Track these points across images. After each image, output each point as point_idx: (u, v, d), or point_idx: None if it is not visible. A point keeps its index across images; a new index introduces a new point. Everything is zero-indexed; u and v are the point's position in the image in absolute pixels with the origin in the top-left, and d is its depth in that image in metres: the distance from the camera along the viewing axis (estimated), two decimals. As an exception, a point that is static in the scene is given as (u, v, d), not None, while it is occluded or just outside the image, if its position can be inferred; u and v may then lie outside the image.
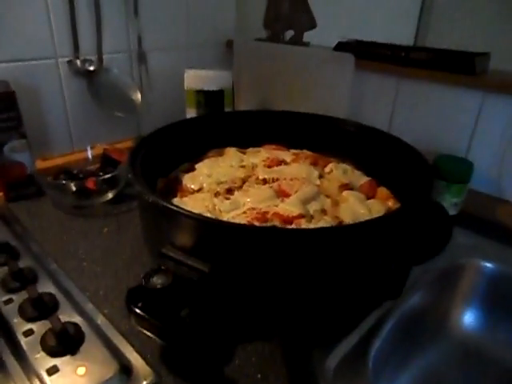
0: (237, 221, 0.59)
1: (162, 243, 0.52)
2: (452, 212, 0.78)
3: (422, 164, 0.65)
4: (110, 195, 0.80)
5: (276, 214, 0.61)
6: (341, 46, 0.90)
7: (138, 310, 0.46)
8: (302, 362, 0.49)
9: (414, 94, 0.85)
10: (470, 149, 0.81)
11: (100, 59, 0.90)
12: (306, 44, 1.09)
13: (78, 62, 0.87)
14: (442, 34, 0.95)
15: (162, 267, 0.50)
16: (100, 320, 0.53)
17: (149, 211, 0.57)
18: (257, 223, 0.58)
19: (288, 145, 0.87)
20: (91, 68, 0.88)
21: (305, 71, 0.96)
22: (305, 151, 0.86)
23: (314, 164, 0.80)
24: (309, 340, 0.52)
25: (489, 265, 0.69)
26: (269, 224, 0.59)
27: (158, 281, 0.48)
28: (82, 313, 0.54)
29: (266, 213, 0.62)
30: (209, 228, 0.49)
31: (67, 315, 0.53)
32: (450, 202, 0.77)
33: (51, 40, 0.84)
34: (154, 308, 0.46)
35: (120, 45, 0.94)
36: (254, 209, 0.62)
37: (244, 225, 0.53)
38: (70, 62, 0.87)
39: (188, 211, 0.49)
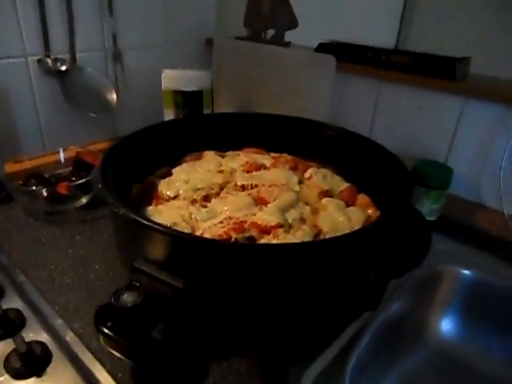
0: (213, 231, 0.57)
1: (135, 256, 0.50)
2: (431, 217, 0.78)
3: (402, 171, 0.65)
4: (83, 200, 0.78)
5: (253, 224, 0.60)
6: (322, 48, 0.89)
7: (106, 330, 0.44)
8: (278, 378, 0.48)
9: (394, 97, 0.84)
10: (449, 154, 0.81)
11: (73, 58, 0.86)
12: (287, 44, 1.07)
13: (49, 60, 0.84)
14: (423, 35, 0.94)
15: (134, 283, 0.48)
16: (69, 337, 0.51)
17: (120, 223, 0.55)
18: (234, 234, 0.57)
19: (268, 148, 0.85)
20: (63, 68, 0.85)
21: (285, 72, 0.95)
22: (284, 155, 0.84)
23: (294, 169, 0.79)
24: (285, 356, 0.51)
25: (467, 272, 0.69)
26: (246, 234, 0.58)
27: (128, 298, 0.46)
28: (50, 329, 0.51)
29: (244, 222, 0.60)
30: (181, 243, 0.47)
31: (34, 333, 0.50)
32: (429, 208, 0.77)
33: (20, 37, 0.80)
34: (123, 328, 0.44)
35: (94, 43, 0.91)
36: (231, 218, 0.60)
37: (217, 240, 0.51)
38: (40, 60, 0.83)
39: (159, 225, 0.47)
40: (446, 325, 0.70)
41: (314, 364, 0.50)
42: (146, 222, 0.47)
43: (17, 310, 0.53)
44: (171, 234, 0.47)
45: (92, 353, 0.49)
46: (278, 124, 0.84)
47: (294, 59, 0.92)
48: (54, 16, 0.83)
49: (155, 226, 0.47)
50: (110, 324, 0.44)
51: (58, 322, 0.53)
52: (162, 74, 0.89)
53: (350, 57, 0.86)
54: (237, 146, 0.85)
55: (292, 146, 0.83)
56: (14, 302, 0.55)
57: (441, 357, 0.68)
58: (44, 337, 0.50)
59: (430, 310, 0.71)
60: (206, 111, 0.93)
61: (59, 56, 0.85)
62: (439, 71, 0.75)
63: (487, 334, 0.68)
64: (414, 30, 0.93)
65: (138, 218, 0.47)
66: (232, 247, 0.48)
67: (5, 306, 0.53)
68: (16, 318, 0.51)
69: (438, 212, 0.78)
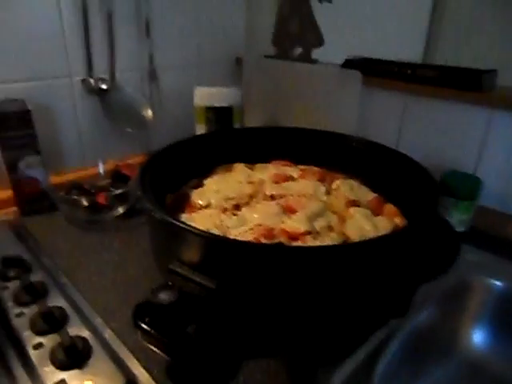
0: (244, 237, 0.60)
1: (170, 259, 0.53)
2: (460, 229, 0.78)
3: (429, 180, 0.66)
4: (120, 210, 0.82)
5: (282, 231, 0.62)
6: (348, 63, 0.92)
7: (144, 326, 0.46)
8: (306, 380, 0.49)
9: (421, 110, 0.86)
10: (478, 165, 0.81)
11: (113, 78, 0.92)
12: (314, 61, 1.11)
13: (92, 80, 0.90)
14: (451, 48, 0.95)
15: (170, 283, 0.51)
16: (108, 334, 0.54)
17: (157, 227, 0.58)
18: (263, 240, 0.59)
19: (296, 161, 0.87)
20: (104, 87, 0.91)
21: (312, 88, 0.98)
22: (312, 167, 0.86)
23: (321, 180, 0.81)
24: (314, 358, 0.52)
25: (498, 283, 0.68)
26: (275, 240, 0.60)
27: (165, 297, 0.48)
28: (90, 327, 0.55)
29: (273, 229, 0.62)
30: (215, 245, 0.50)
31: (76, 329, 0.54)
32: (458, 219, 0.77)
33: (66, 60, 0.87)
34: (160, 324, 0.47)
35: (132, 64, 0.97)
36: (260, 225, 0.63)
37: (249, 242, 0.53)
38: (83, 80, 0.90)
39: (194, 228, 0.50)
40: (477, 336, 0.69)
41: (342, 367, 0.51)
42: (182, 225, 0.50)
43: (60, 308, 0.56)
44: (205, 236, 0.50)
45: (129, 349, 0.52)
46: (306, 137, 0.87)
47: (321, 75, 0.95)
48: (96, 39, 0.89)
49: (190, 228, 0.50)
50: (147, 320, 0.47)
51: (98, 321, 0.56)
52: (195, 92, 0.94)
53: (376, 71, 0.88)
54: (265, 159, 0.88)
55: (319, 159, 0.86)
56: (57, 301, 0.58)
57: (472, 368, 0.67)
58: (85, 333, 0.53)
59: (461, 321, 0.70)
60: (236, 126, 0.97)
61: (101, 76, 0.92)
62: (466, 83, 0.76)
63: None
64: (441, 43, 0.94)
65: (174, 221, 0.51)
66: (263, 248, 0.50)
67: (50, 304, 0.56)
68: (60, 315, 0.55)
69: (467, 223, 0.78)
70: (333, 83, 0.93)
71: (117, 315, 0.58)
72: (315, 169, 0.86)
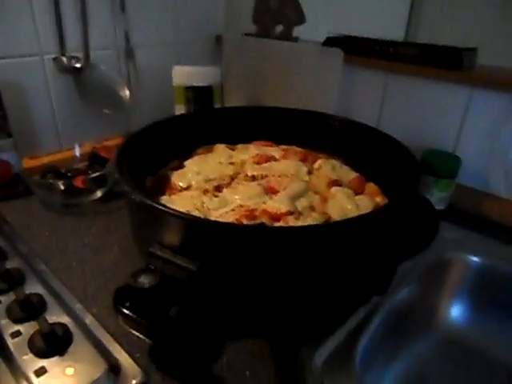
0: (225, 219, 0.59)
1: (150, 242, 0.52)
2: (440, 206, 0.79)
3: (410, 159, 0.66)
4: (98, 193, 0.80)
5: (264, 211, 0.61)
6: (329, 41, 0.90)
7: (125, 310, 0.46)
8: (290, 358, 0.50)
9: (402, 88, 0.85)
10: (457, 144, 0.82)
11: (87, 56, 0.89)
12: (296, 39, 1.09)
13: (64, 58, 0.86)
14: (433, 27, 0.94)
15: (151, 266, 0.50)
16: (88, 320, 0.53)
17: (136, 210, 0.57)
18: (245, 221, 0.58)
19: (278, 141, 0.87)
20: (78, 65, 0.87)
21: (293, 66, 0.96)
22: (294, 147, 0.86)
23: (303, 160, 0.80)
24: (297, 336, 0.52)
25: (475, 259, 0.70)
26: (257, 221, 0.59)
27: (145, 280, 0.48)
28: (70, 313, 0.53)
29: (255, 210, 0.62)
30: (195, 227, 0.49)
31: (55, 316, 0.52)
32: (438, 197, 0.78)
33: (36, 37, 0.83)
34: (141, 308, 0.46)
35: (107, 41, 0.93)
36: (242, 206, 0.62)
37: (230, 223, 0.53)
38: (55, 58, 0.86)
39: (175, 210, 0.49)
40: (456, 311, 0.71)
41: (325, 345, 0.52)
42: (161, 207, 0.49)
43: (38, 295, 0.55)
44: (186, 218, 0.49)
45: (110, 334, 0.51)
46: (288, 117, 0.86)
47: (302, 53, 0.93)
48: (68, 15, 0.85)
49: (171, 210, 0.48)
50: (128, 304, 0.46)
51: (78, 307, 0.55)
52: (173, 71, 0.91)
53: (357, 50, 0.87)
54: (247, 139, 0.87)
55: (301, 139, 0.85)
56: (35, 288, 0.57)
57: (450, 342, 0.69)
58: (65, 319, 0.52)
59: (440, 297, 0.72)
60: (216, 106, 0.95)
61: (74, 54, 0.88)
62: (446, 61, 0.76)
63: (497, 320, 0.68)
64: (423, 21, 0.93)
65: (154, 204, 0.49)
66: (244, 230, 0.49)
67: (27, 291, 0.55)
68: (37, 302, 0.54)
69: (446, 201, 0.79)
70: (314, 62, 0.91)
71: (97, 300, 0.57)
72: (297, 149, 0.85)
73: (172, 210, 0.49)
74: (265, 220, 0.60)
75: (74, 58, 0.88)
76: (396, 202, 0.56)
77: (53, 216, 0.77)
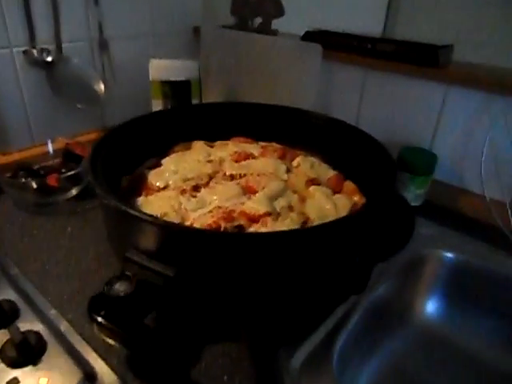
0: (203, 220, 0.58)
1: (127, 246, 0.51)
2: (416, 203, 0.80)
3: (386, 158, 0.66)
4: (73, 192, 0.78)
5: (242, 213, 0.61)
6: (308, 36, 0.89)
7: (100, 319, 0.45)
8: (268, 361, 0.50)
9: (380, 85, 0.85)
10: (434, 140, 0.83)
11: (59, 48, 0.85)
12: (274, 32, 1.08)
13: (35, 51, 0.83)
14: (411, 23, 0.95)
15: (126, 272, 0.49)
16: (63, 326, 0.52)
17: (111, 214, 0.56)
18: (223, 223, 0.58)
19: (256, 137, 0.86)
20: (49, 58, 0.84)
21: (272, 61, 0.95)
22: (273, 144, 0.85)
23: (282, 157, 0.80)
24: (275, 339, 0.53)
25: (450, 255, 0.71)
26: (235, 223, 0.59)
27: (120, 288, 0.47)
28: (44, 320, 0.52)
29: (233, 211, 0.61)
30: (170, 233, 0.48)
31: (28, 323, 0.51)
32: (414, 194, 0.79)
33: (4, 28, 0.79)
34: (116, 316, 0.46)
35: (80, 33, 0.90)
36: (220, 207, 0.62)
37: (205, 230, 0.52)
38: (25, 51, 0.82)
39: (149, 216, 0.48)
40: (431, 306, 0.73)
41: (303, 346, 0.52)
42: (136, 213, 0.48)
43: (10, 301, 0.54)
44: (160, 225, 0.48)
45: (86, 341, 0.50)
46: (267, 113, 0.85)
47: (280, 48, 0.92)
48: (38, 5, 0.82)
49: (145, 216, 0.48)
50: (103, 313, 0.46)
51: (52, 313, 0.54)
52: (149, 64, 0.89)
53: (336, 45, 0.87)
54: (225, 136, 0.86)
55: (280, 135, 0.84)
56: (7, 294, 0.55)
57: (426, 337, 0.70)
58: (39, 327, 0.51)
59: (416, 293, 0.73)
60: (195, 101, 0.94)
61: (45, 46, 0.84)
62: (422, 59, 0.76)
63: (470, 314, 0.70)
64: (401, 17, 0.94)
65: (128, 210, 0.48)
66: (220, 236, 0.49)
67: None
68: (10, 309, 0.52)
69: (422, 197, 0.80)
70: (293, 56, 0.90)
71: (73, 305, 0.56)
72: (276, 145, 0.84)
73: (146, 215, 0.48)
74: (243, 222, 0.59)
75: (45, 50, 0.84)
76: (372, 203, 0.56)
77: (26, 216, 0.75)
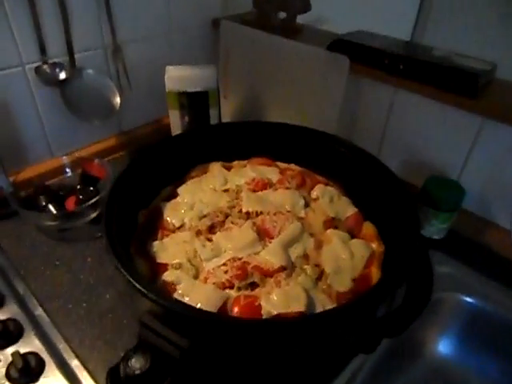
0: (217, 276, 0.59)
1: (142, 307, 0.53)
2: (438, 236, 0.78)
3: (410, 205, 0.63)
4: (92, 216, 0.78)
5: (256, 267, 0.61)
6: (335, 46, 0.82)
7: (117, 397, 0.48)
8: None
9: (410, 107, 0.79)
10: (463, 171, 0.78)
11: (72, 61, 0.82)
12: (300, 27, 1.00)
13: (47, 67, 0.79)
14: (440, 27, 0.86)
15: (142, 339, 0.51)
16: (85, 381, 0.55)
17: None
18: (236, 282, 0.58)
19: (276, 157, 0.83)
20: (62, 75, 0.80)
21: (295, 68, 0.89)
22: (292, 166, 0.82)
23: (301, 185, 0.77)
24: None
25: (469, 299, 0.70)
26: (248, 281, 0.59)
27: (136, 365, 0.49)
28: (66, 375, 0.55)
29: (247, 264, 0.61)
30: (186, 318, 0.49)
31: (52, 376, 0.55)
32: (437, 228, 0.76)
33: (14, 45, 0.75)
34: (133, 393, 0.48)
35: (92, 41, 0.84)
36: (234, 260, 0.61)
37: (216, 317, 0.51)
38: (37, 68, 0.79)
39: (164, 300, 0.49)
40: (444, 346, 0.73)
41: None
42: (155, 298, 0.48)
43: (36, 356, 0.57)
44: (175, 311, 0.48)
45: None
46: (288, 134, 0.81)
47: (304, 55, 0.86)
48: (47, 17, 0.77)
49: (160, 301, 0.48)
50: (121, 390, 0.48)
51: (75, 363, 0.57)
52: (166, 75, 0.84)
53: (365, 59, 0.80)
54: (244, 155, 0.83)
55: (301, 157, 0.81)
56: (32, 344, 0.58)
57: (437, 377, 0.71)
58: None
59: (429, 332, 0.73)
60: (213, 111, 0.90)
61: (57, 60, 0.81)
62: (460, 87, 0.70)
63: (483, 358, 0.71)
64: (431, 21, 0.85)
65: (144, 291, 0.48)
66: (231, 325, 0.49)
67: (23, 350, 0.57)
68: (36, 366, 0.55)
69: (445, 231, 0.77)
70: (318, 66, 0.84)
71: (94, 354, 0.59)
72: (295, 168, 0.82)
73: (163, 300, 0.48)
74: (256, 278, 0.59)
75: (57, 65, 0.80)
76: (390, 282, 0.54)
77: (47, 242, 0.76)
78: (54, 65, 0.81)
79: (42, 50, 0.79)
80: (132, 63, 0.92)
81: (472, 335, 0.72)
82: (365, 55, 0.80)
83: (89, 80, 0.85)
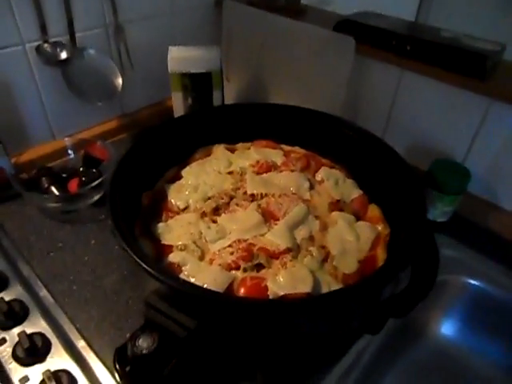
0: (223, 258, 0.59)
1: (147, 288, 0.53)
2: (442, 219, 0.78)
3: (416, 188, 0.63)
4: (94, 198, 0.78)
5: (262, 249, 0.60)
6: (341, 26, 0.81)
7: (125, 375, 0.48)
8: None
9: (416, 89, 0.78)
10: (468, 154, 0.77)
11: (72, 40, 0.80)
12: (304, 8, 0.98)
13: (48, 46, 0.78)
14: (443, 12, 0.85)
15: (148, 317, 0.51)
16: (92, 363, 0.55)
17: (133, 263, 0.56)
18: (242, 263, 0.58)
19: (280, 139, 0.82)
20: (63, 55, 0.79)
21: (300, 49, 0.87)
22: (297, 149, 0.81)
23: (306, 167, 0.77)
24: (291, 378, 0.55)
25: (473, 282, 0.70)
26: (254, 262, 0.59)
27: (143, 344, 0.49)
28: (72, 355, 0.56)
29: (253, 245, 0.61)
30: (192, 298, 0.49)
31: (58, 357, 0.55)
32: (442, 211, 0.76)
33: (14, 24, 0.73)
34: (140, 372, 0.48)
35: (93, 20, 0.83)
36: (239, 241, 0.61)
37: (222, 296, 0.51)
38: (38, 47, 0.77)
39: (171, 279, 0.49)
40: (447, 328, 0.73)
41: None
42: (157, 275, 0.48)
43: (42, 335, 0.57)
44: (182, 290, 0.48)
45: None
46: (292, 116, 0.80)
47: (310, 37, 0.84)
48: (47, -5, 0.75)
49: (167, 280, 0.48)
50: (128, 368, 0.48)
51: (81, 344, 0.57)
52: (169, 56, 0.83)
53: (371, 40, 0.78)
54: (248, 137, 0.82)
55: (305, 140, 0.81)
56: (38, 324, 0.59)
57: (440, 359, 0.72)
58: (69, 365, 0.54)
59: (432, 314, 0.74)
60: (216, 92, 0.89)
61: (58, 39, 0.79)
62: (468, 68, 0.69)
63: (485, 339, 0.71)
64: (435, 2, 0.83)
65: (151, 270, 0.48)
66: (240, 305, 0.49)
67: (29, 330, 0.57)
68: (42, 346, 0.55)
69: (450, 214, 0.77)
70: (323, 47, 0.82)
71: (100, 336, 0.59)
72: (300, 151, 0.81)
73: (170, 279, 0.48)
74: (262, 260, 0.59)
75: (58, 44, 0.79)
76: (393, 266, 0.54)
77: (51, 224, 0.76)
78: (55, 44, 0.79)
79: (43, 29, 0.77)
80: (134, 43, 0.91)
81: (475, 317, 0.72)
82: (371, 36, 0.78)
83: (90, 60, 0.83)
